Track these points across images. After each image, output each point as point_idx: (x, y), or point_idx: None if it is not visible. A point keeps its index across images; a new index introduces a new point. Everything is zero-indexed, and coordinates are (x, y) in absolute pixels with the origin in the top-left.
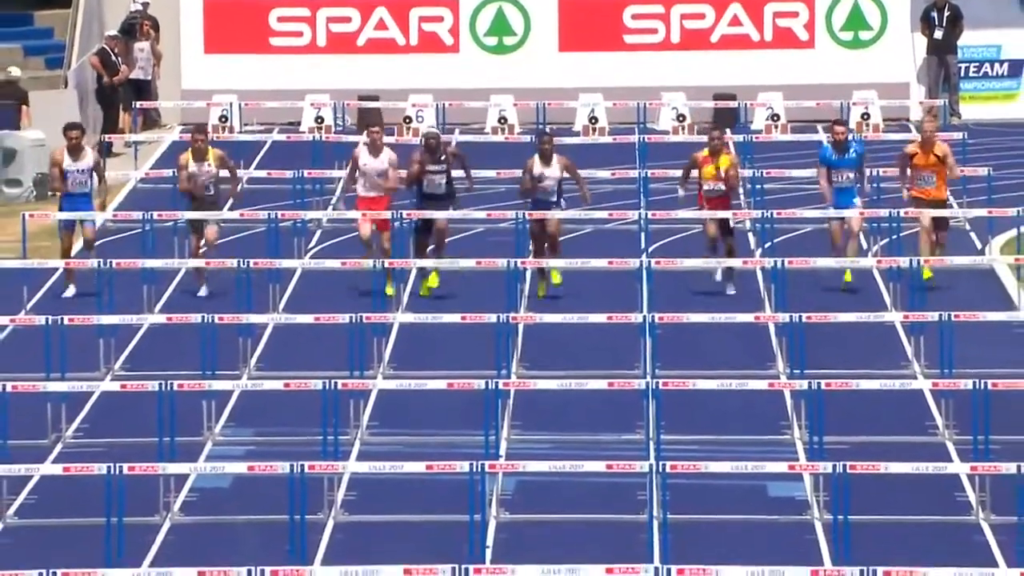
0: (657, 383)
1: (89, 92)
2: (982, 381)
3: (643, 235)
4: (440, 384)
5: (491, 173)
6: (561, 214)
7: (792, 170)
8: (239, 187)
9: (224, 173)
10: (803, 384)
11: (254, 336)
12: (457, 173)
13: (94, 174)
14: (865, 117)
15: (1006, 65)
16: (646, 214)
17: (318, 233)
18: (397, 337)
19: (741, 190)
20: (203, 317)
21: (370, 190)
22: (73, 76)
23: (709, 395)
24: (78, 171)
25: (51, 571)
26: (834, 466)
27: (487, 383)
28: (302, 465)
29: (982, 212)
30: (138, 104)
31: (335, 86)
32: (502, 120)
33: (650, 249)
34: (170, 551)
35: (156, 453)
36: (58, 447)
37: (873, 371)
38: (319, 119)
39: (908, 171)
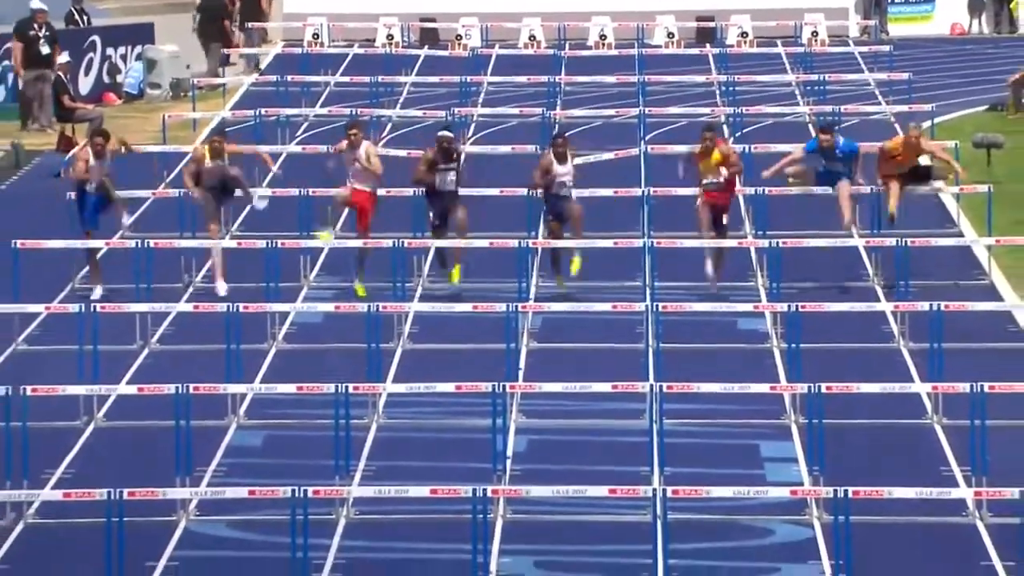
0: (652, 242)
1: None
2: (903, 239)
3: (641, 127)
4: (483, 243)
5: (523, 79)
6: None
7: (758, 75)
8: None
9: (236, 171)
10: (765, 243)
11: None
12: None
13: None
14: (814, 35)
15: None
16: (644, 110)
17: (389, 126)
18: None
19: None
20: (299, 191)
21: (354, 181)
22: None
23: (692, 251)
24: (101, 176)
25: (185, 385)
26: (788, 306)
27: (519, 242)
28: (377, 305)
29: (904, 108)
30: (249, 24)
31: (402, 10)
32: (531, 37)
33: (647, 137)
34: (274, 371)
35: (264, 295)
36: (189, 290)
37: (820, 232)
38: (390, 36)
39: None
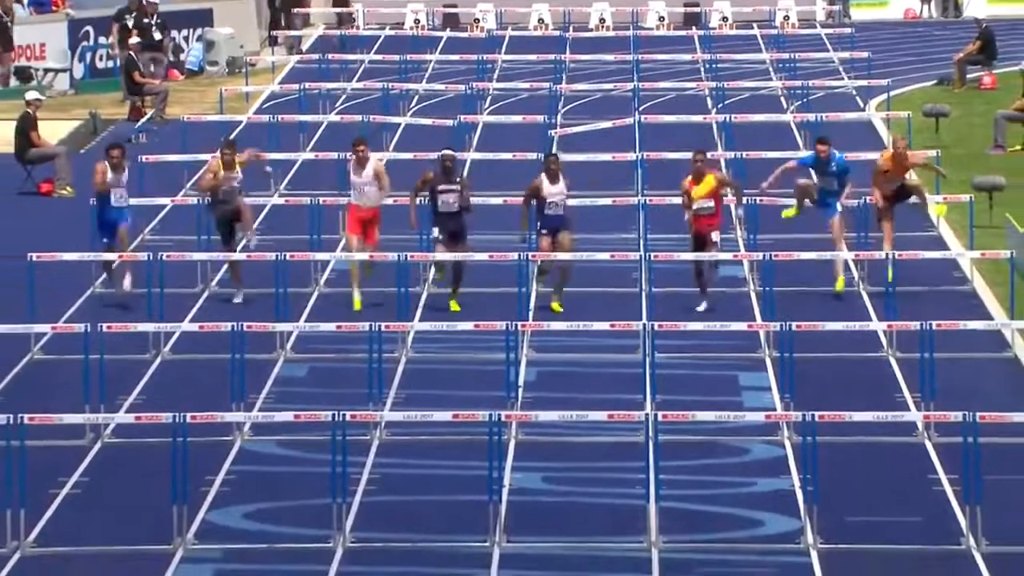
0: (645, 200)
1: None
2: (864, 197)
3: (636, 99)
4: (498, 200)
5: (532, 57)
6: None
7: (737, 54)
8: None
9: (244, 205)
10: (744, 200)
11: None
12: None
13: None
14: (786, 19)
15: None
16: (638, 85)
17: (416, 98)
18: (470, 168)
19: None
20: (338, 155)
21: (359, 200)
22: None
23: (680, 208)
24: (119, 186)
25: (239, 323)
26: (763, 255)
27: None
28: (405, 255)
29: (864, 83)
30: (295, 10)
31: None
32: (540, 21)
33: (640, 108)
34: (318, 312)
35: (308, 245)
36: (243, 242)
37: (791, 192)
38: (417, 20)
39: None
